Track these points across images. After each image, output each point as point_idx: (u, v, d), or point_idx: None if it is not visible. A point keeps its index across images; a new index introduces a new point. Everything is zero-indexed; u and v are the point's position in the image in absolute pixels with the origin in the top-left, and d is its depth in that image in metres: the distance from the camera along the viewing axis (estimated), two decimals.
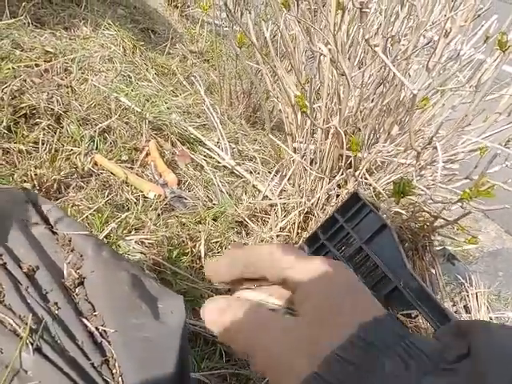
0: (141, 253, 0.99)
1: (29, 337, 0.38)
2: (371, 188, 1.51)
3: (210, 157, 1.85)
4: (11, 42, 1.65)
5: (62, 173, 1.12)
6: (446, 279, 1.62)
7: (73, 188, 1.12)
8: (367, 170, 1.54)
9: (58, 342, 0.40)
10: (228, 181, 1.78)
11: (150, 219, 1.15)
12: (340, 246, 1.03)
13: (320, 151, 1.57)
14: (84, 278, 0.46)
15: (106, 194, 1.16)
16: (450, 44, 1.41)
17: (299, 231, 1.62)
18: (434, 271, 1.27)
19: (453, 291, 1.63)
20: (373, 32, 1.38)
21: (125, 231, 1.05)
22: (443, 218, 1.15)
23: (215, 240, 1.25)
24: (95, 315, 0.44)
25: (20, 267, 0.42)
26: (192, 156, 1.72)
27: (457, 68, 1.44)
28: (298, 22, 1.29)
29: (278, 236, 1.58)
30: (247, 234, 1.50)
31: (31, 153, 1.13)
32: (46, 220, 0.50)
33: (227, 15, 2.50)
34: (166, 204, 1.30)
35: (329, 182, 1.56)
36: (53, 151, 1.17)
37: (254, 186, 1.82)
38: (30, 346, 0.37)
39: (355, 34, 1.35)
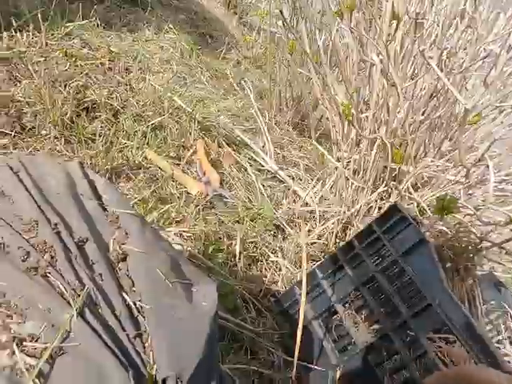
0: (179, 244, 1.04)
1: (74, 301, 0.42)
2: (415, 203, 1.47)
3: (254, 160, 1.88)
4: (81, 41, 1.79)
5: (115, 163, 1.20)
6: (491, 306, 1.52)
7: (123, 178, 1.19)
8: (413, 185, 1.50)
9: (99, 309, 0.44)
10: (270, 184, 1.80)
11: (191, 213, 1.20)
12: (375, 257, 1.02)
13: (364, 161, 1.55)
14: (127, 255, 0.50)
15: (152, 186, 1.22)
16: None
17: (337, 241, 1.60)
18: (474, 295, 1.21)
19: (497, 319, 1.53)
20: (428, 43, 1.35)
21: (166, 223, 1.11)
22: (489, 241, 1.09)
23: (251, 240, 1.28)
24: (134, 290, 0.48)
25: (72, 237, 0.47)
26: (237, 158, 1.76)
27: None
28: (351, 32, 1.29)
29: (313, 243, 1.57)
30: (284, 238, 1.51)
31: (89, 143, 1.23)
32: (98, 196, 0.54)
33: (282, 23, 2.54)
34: (206, 201, 1.35)
35: (371, 194, 1.54)
36: (108, 143, 1.26)
37: (294, 192, 1.83)
38: (75, 310, 0.42)
39: (409, 45, 1.33)
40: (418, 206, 1.44)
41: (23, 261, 0.43)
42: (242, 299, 1.09)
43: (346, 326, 0.96)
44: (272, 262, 1.31)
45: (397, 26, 1.23)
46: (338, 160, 1.65)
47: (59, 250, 0.45)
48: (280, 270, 1.30)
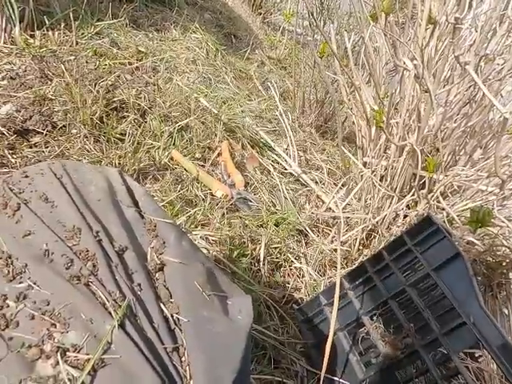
0: (205, 248, 1.03)
1: (115, 312, 0.42)
2: (444, 213, 1.42)
3: (278, 162, 1.87)
4: (110, 40, 1.81)
5: (142, 164, 1.21)
6: None
7: (150, 179, 1.20)
8: (441, 194, 1.46)
9: (138, 321, 0.43)
10: (292, 188, 1.78)
11: (216, 217, 1.19)
12: (405, 270, 0.99)
13: (392, 168, 1.52)
14: (164, 265, 0.50)
15: (178, 188, 1.22)
16: None
17: (360, 248, 1.57)
18: (507, 312, 1.16)
19: None
20: (464, 49, 1.30)
21: (192, 226, 1.10)
22: None
23: (275, 245, 1.27)
24: (171, 302, 0.47)
25: (113, 245, 0.46)
26: (260, 160, 1.75)
27: None
28: (385, 35, 1.26)
29: (336, 250, 1.55)
30: (307, 243, 1.49)
31: (118, 143, 1.23)
32: (136, 203, 0.54)
33: (309, 24, 2.51)
34: (231, 204, 1.34)
35: (398, 201, 1.50)
36: (136, 144, 1.26)
37: (317, 197, 1.81)
38: (116, 322, 0.41)
39: (444, 50, 1.28)
40: (447, 216, 1.40)
41: (67, 269, 0.43)
42: (265, 305, 1.08)
43: (373, 340, 0.94)
44: (295, 268, 1.29)
45: (433, 30, 1.19)
46: (365, 165, 1.62)
47: (101, 259, 0.45)
48: (303, 276, 1.28)
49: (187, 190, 1.27)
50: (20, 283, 0.40)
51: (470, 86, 1.33)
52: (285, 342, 1.01)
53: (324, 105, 2.42)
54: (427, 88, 1.24)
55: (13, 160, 1.01)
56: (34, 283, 0.41)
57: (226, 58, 2.48)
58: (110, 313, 0.42)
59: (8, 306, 0.38)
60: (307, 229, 1.51)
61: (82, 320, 0.40)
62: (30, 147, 1.08)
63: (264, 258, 1.19)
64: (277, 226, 1.37)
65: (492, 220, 1.25)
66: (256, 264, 1.18)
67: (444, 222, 1.40)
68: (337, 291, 0.74)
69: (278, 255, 1.26)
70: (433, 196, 1.38)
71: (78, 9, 1.80)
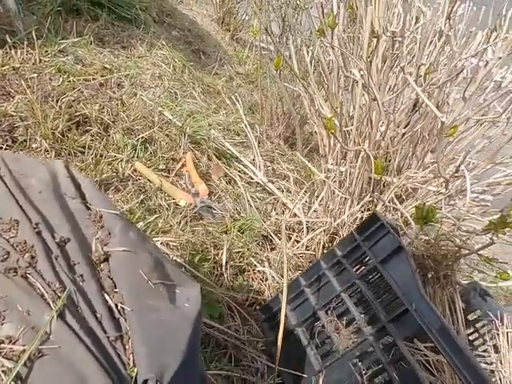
0: (165, 254, 1.06)
1: (54, 303, 0.44)
2: (399, 213, 1.50)
3: (244, 173, 1.92)
4: (74, 57, 1.84)
5: (104, 176, 1.23)
6: (477, 315, 1.55)
7: (111, 190, 1.22)
8: (398, 197, 1.54)
9: (80, 311, 0.45)
10: (259, 197, 1.83)
11: (178, 223, 1.22)
12: (356, 264, 1.05)
13: (350, 174, 1.59)
14: (109, 255, 0.51)
15: (141, 197, 1.25)
16: (491, 73, 1.40)
17: (324, 251, 1.63)
18: (455, 302, 1.23)
19: (482, 328, 1.56)
20: (409, 60, 1.40)
21: (153, 233, 1.13)
22: (465, 248, 1.13)
23: (237, 250, 1.30)
24: (116, 292, 0.49)
25: (53, 237, 0.48)
26: (226, 171, 1.80)
27: (495, 98, 1.42)
28: (332, 49, 1.35)
29: (301, 254, 1.60)
30: (272, 248, 1.54)
31: (79, 156, 1.26)
32: (82, 195, 0.55)
33: (272, 40, 2.61)
34: (195, 212, 1.37)
35: (357, 205, 1.57)
36: (98, 156, 1.29)
37: (283, 204, 1.86)
38: (55, 312, 0.43)
39: (388, 62, 1.38)
40: (401, 217, 1.48)
41: (2, 261, 0.44)
42: (227, 308, 1.11)
43: (328, 332, 0.98)
44: (259, 271, 1.33)
45: (377, 43, 1.28)
46: (325, 172, 1.69)
47: (40, 250, 0.46)
48: (266, 279, 1.32)
49: (150, 200, 1.30)
50: None
51: (416, 94, 1.43)
52: (246, 340, 1.04)
53: (291, 117, 2.50)
54: (375, 96, 1.33)
55: None
56: None
57: (193, 74, 2.53)
58: (49, 304, 0.43)
59: None
60: (271, 234, 1.56)
61: (19, 312, 0.41)
62: None
63: (226, 262, 1.23)
64: (240, 232, 1.41)
65: (442, 217, 1.34)
66: (219, 268, 1.21)
67: (400, 222, 1.48)
68: (284, 296, 0.78)
69: (241, 259, 1.30)
70: (387, 198, 1.46)
71: (41, 27, 1.83)
